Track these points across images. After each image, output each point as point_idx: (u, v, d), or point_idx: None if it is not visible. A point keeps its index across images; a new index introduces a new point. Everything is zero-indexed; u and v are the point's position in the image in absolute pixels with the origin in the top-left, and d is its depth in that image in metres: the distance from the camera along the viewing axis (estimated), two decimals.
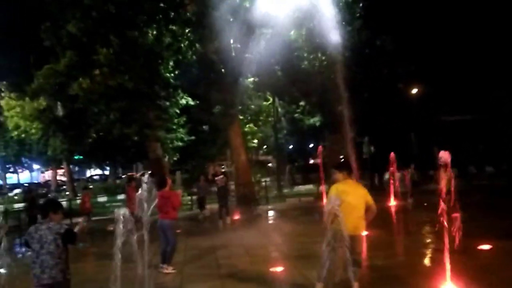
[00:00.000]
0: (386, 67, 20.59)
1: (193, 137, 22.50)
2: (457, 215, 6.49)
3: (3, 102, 22.26)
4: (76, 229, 4.65)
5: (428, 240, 8.79)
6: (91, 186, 25.09)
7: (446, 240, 5.24)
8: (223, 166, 35.45)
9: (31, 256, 4.33)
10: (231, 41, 18.00)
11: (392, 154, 14.76)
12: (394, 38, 20.51)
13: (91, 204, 13.87)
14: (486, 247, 7.43)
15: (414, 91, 23.51)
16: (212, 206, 14.92)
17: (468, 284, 5.39)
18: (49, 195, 14.29)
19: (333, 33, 17.00)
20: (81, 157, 33.93)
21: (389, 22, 19.93)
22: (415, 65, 21.42)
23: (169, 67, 18.77)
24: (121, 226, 4.59)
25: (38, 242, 4.28)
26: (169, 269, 7.44)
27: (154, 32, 17.99)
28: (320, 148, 17.15)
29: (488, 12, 20.62)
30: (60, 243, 4.28)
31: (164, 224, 7.48)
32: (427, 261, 7.32)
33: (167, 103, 18.72)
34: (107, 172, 46.95)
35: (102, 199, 24.74)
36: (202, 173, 20.47)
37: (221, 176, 14.49)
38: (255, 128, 24.60)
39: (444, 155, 5.37)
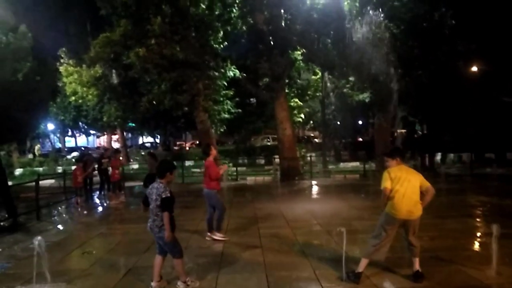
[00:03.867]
0: (445, 44, 19.37)
1: (239, 110, 22.68)
2: None
3: (62, 69, 23.40)
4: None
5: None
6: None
7: None
8: (268, 139, 35.62)
9: None
10: (282, 11, 17.70)
11: None
12: (454, 13, 19.17)
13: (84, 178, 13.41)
14: None
15: (474, 69, 22.06)
16: None
17: None
18: (103, 160, 14.83)
19: (388, 4, 16.24)
20: (134, 124, 35.33)
21: None
22: (476, 43, 19.99)
23: (219, 38, 18.83)
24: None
25: None
26: (217, 236, 7.60)
27: (206, 2, 18.03)
28: None
29: None
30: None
31: (204, 193, 7.66)
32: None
33: (216, 74, 18.89)
34: (158, 140, 48.68)
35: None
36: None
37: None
38: (301, 103, 24.33)
39: None
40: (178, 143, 46.71)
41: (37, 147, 38.92)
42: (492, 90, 21.45)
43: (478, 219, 9.01)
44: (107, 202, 13.53)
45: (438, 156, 22.76)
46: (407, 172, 5.22)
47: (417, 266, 5.24)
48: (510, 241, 6.67)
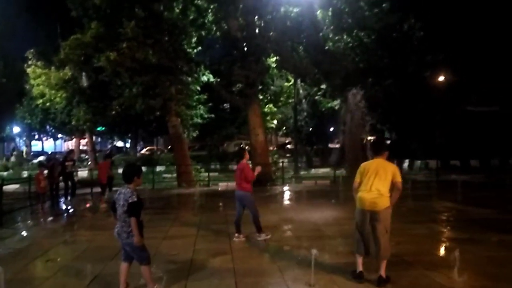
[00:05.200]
0: (413, 54, 20.01)
1: (212, 115, 22.62)
2: None
3: (29, 70, 22.74)
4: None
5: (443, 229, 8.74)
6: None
7: None
8: (241, 144, 35.64)
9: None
10: (256, 18, 17.82)
11: None
12: (422, 25, 19.88)
13: (46, 184, 13.05)
14: None
15: (441, 78, 22.88)
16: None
17: None
18: (66, 163, 14.40)
19: (360, 14, 16.62)
20: (104, 128, 34.61)
21: (418, 7, 19.30)
22: (443, 54, 20.75)
23: (192, 42, 18.77)
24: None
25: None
26: (262, 236, 7.79)
27: (180, 6, 17.96)
28: None
29: None
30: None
31: (237, 195, 7.91)
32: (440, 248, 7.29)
33: (189, 79, 18.79)
34: (128, 145, 47.84)
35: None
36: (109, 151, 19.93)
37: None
38: (275, 109, 24.48)
39: None
40: (148, 147, 45.94)
41: (24, 149, 37.57)
42: (457, 100, 22.30)
43: (442, 225, 9.28)
44: (73, 207, 13.16)
45: (406, 163, 23.38)
46: (378, 165, 5.31)
47: (381, 271, 5.28)
48: (473, 246, 6.94)
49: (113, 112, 20.14)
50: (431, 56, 20.62)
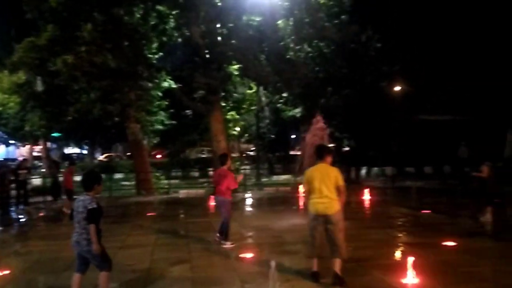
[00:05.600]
0: (370, 65, 20.68)
1: (174, 122, 22.33)
2: None
3: None
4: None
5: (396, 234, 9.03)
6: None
7: None
8: (203, 152, 35.39)
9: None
10: (218, 26, 17.84)
11: None
12: (380, 37, 20.61)
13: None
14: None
15: (397, 88, 23.76)
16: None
17: None
18: (20, 171, 13.78)
19: (320, 25, 17.02)
20: (59, 134, 33.35)
21: (375, 20, 20.03)
22: (399, 65, 21.59)
23: (153, 48, 18.51)
24: None
25: None
26: (227, 244, 7.74)
27: (140, 12, 17.69)
28: None
29: (476, 12, 20.92)
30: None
31: (218, 201, 7.95)
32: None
33: (150, 84, 18.48)
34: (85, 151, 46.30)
35: (79, 178, 24.40)
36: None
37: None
38: (238, 116, 24.52)
39: None
40: (106, 154, 44.67)
41: None
42: (412, 109, 23.20)
43: (398, 230, 9.57)
44: (25, 216, 12.58)
45: (364, 170, 24.05)
46: (321, 171, 5.50)
47: (337, 268, 5.40)
48: (427, 250, 7.19)
49: (69, 118, 19.46)
50: (388, 66, 21.44)
